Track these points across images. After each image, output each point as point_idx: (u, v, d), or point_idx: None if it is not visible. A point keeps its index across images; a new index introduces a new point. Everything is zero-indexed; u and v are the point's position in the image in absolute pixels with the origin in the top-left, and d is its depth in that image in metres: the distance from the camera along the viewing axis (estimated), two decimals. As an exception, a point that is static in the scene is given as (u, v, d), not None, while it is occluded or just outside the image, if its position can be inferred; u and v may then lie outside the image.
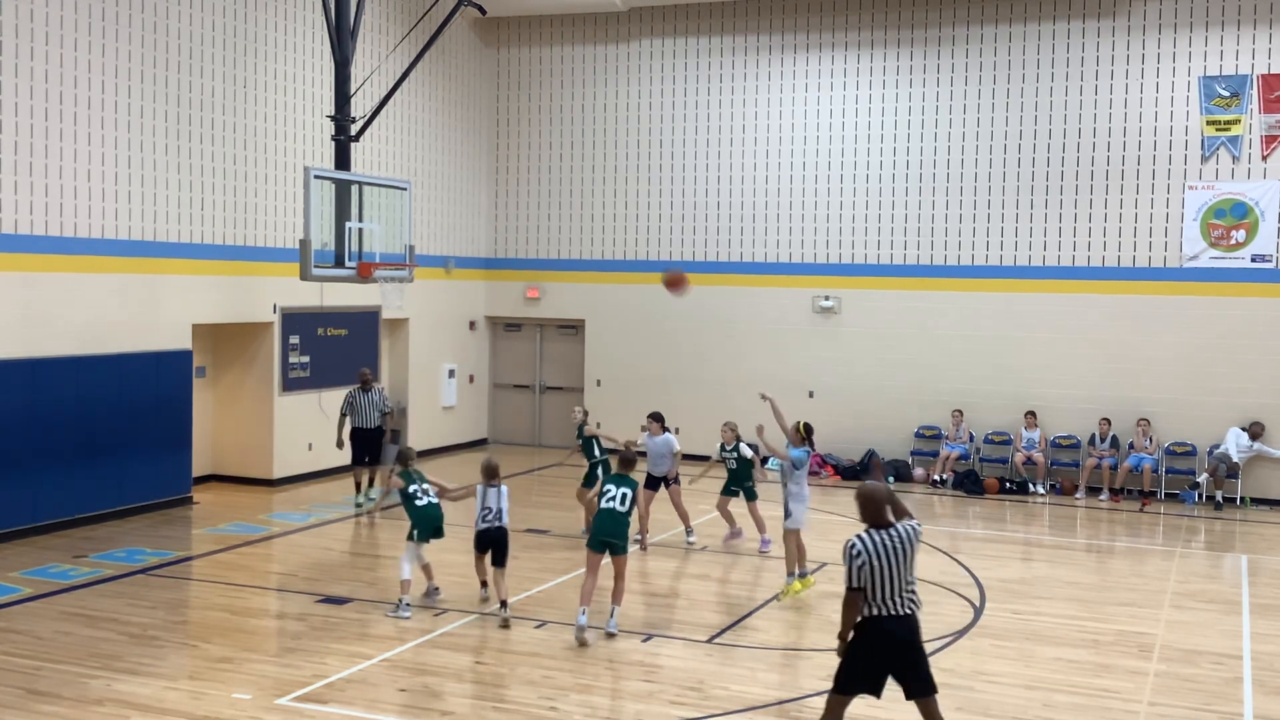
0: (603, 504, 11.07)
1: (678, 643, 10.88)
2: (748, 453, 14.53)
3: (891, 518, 7.57)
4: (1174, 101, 19.26)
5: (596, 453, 15.19)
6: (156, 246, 16.30)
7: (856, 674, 7.58)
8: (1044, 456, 19.46)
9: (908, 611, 7.51)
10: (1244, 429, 18.60)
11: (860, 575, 7.40)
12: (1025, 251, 20.07)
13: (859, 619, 7.50)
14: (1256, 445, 18.48)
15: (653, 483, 14.72)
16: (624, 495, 11.04)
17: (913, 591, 7.54)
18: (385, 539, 15.76)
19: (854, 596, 7.44)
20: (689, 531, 15.00)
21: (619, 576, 11.01)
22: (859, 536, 7.49)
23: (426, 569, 12.05)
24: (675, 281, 14.63)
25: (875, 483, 7.84)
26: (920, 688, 7.58)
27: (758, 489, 14.65)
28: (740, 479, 14.55)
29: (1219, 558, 15.55)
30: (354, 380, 17.44)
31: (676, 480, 14.82)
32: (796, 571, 12.49)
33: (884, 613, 7.45)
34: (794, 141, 21.36)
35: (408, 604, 11.52)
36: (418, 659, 10.27)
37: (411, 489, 11.93)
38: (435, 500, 12.00)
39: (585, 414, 15.74)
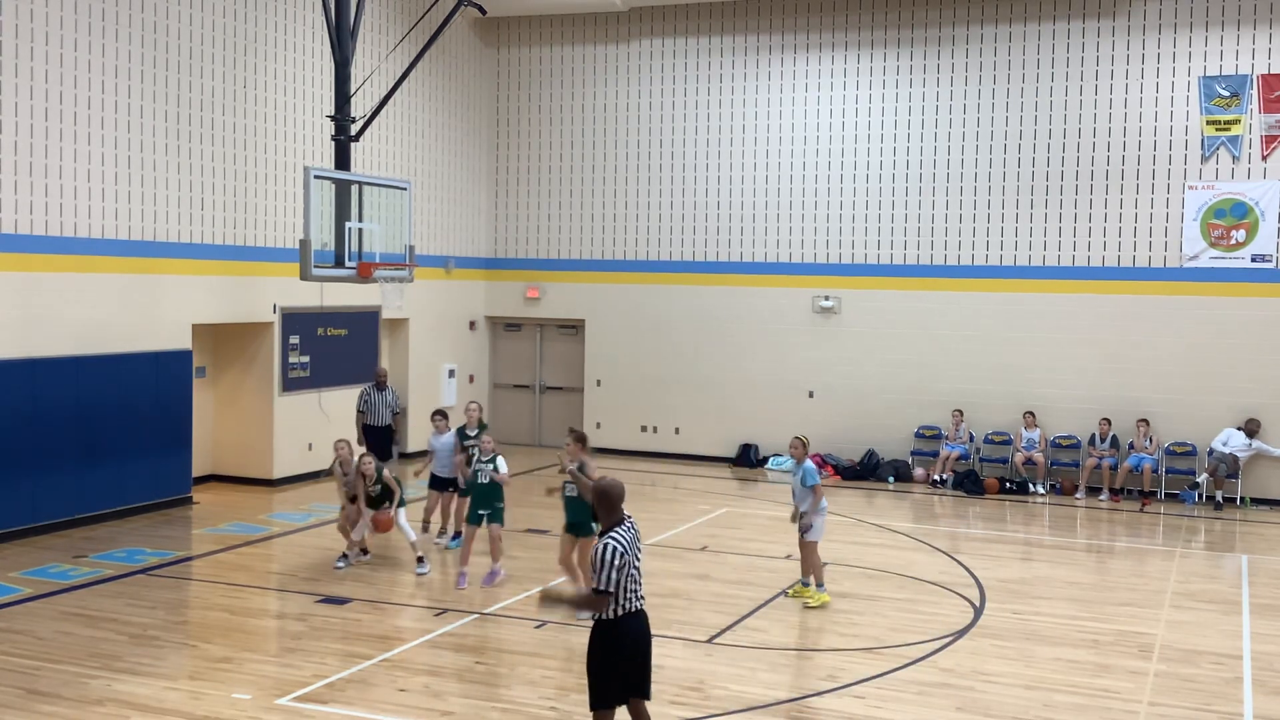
0: (566, 493, 11.89)
1: (678, 643, 10.88)
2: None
3: (618, 515, 7.35)
4: (1174, 101, 19.26)
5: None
6: (156, 246, 16.30)
7: (614, 680, 7.32)
8: (1044, 456, 19.46)
9: (641, 607, 7.40)
10: (1239, 428, 18.62)
11: (619, 577, 7.14)
12: (1025, 251, 20.08)
13: (605, 621, 7.26)
14: (1255, 444, 18.48)
15: (439, 483, 14.56)
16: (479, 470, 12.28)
17: (640, 587, 7.40)
18: (385, 539, 15.77)
19: (603, 600, 7.17)
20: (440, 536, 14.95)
21: (582, 556, 11.67)
22: (614, 538, 7.21)
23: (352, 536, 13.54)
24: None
25: (613, 479, 7.54)
26: (647, 687, 7.50)
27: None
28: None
29: (1219, 558, 15.54)
30: (356, 379, 17.44)
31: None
32: (815, 582, 12.37)
33: (631, 609, 7.28)
34: (794, 141, 21.37)
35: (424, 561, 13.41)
36: (418, 659, 10.27)
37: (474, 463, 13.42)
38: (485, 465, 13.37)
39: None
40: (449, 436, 14.50)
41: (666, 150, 22.20)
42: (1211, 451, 18.65)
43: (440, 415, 14.79)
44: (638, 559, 7.36)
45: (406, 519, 13.68)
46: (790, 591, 12.53)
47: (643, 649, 7.44)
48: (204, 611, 11.89)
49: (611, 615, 7.27)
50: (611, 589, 7.14)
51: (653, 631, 11.07)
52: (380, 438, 17.11)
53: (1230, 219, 18.96)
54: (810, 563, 12.48)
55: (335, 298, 18.96)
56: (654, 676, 9.91)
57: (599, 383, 22.67)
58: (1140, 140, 19.43)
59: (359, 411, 17.12)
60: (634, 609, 7.31)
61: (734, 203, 21.78)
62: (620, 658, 7.31)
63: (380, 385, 17.07)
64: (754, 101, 21.62)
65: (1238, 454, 18.43)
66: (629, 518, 7.44)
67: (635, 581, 7.31)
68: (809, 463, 12.41)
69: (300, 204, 17.71)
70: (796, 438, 12.55)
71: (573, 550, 11.90)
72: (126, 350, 15.79)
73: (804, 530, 12.44)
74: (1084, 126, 19.71)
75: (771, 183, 21.52)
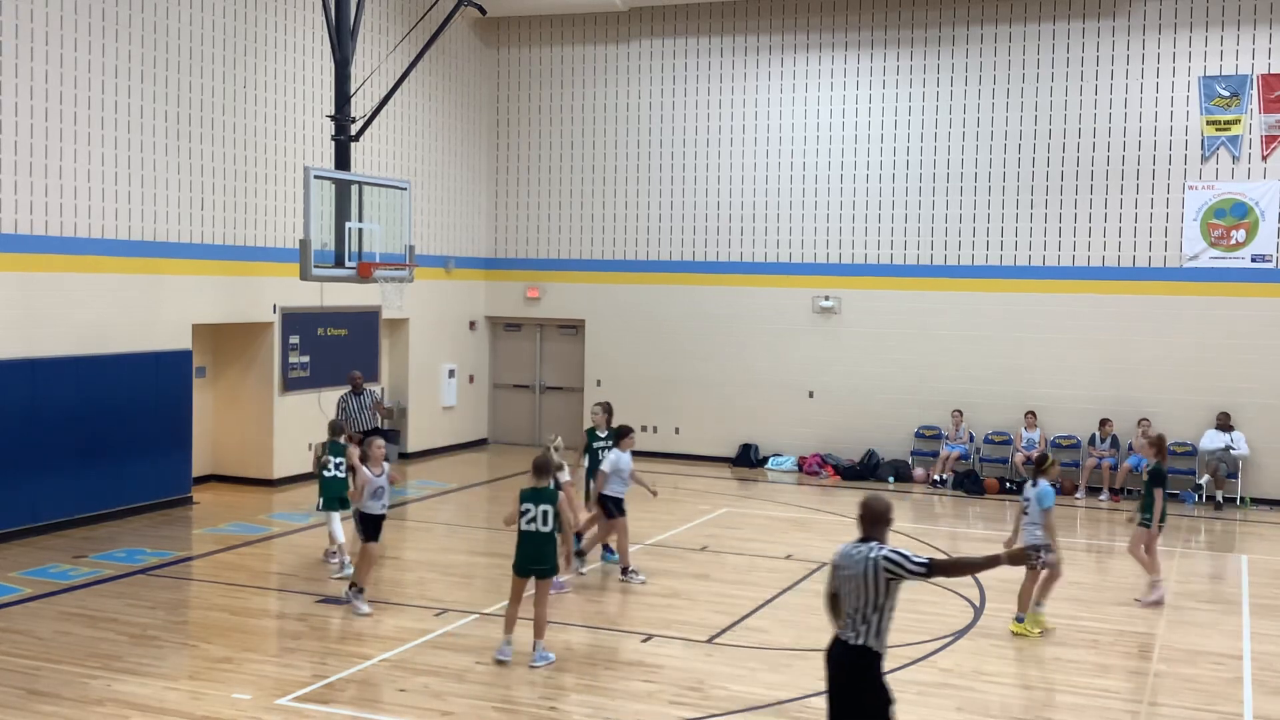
0: (523, 525, 10.08)
1: (678, 643, 10.88)
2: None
3: (875, 533, 6.84)
4: (1174, 101, 19.27)
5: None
6: (156, 246, 16.30)
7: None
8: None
9: (846, 639, 6.74)
10: (1217, 428, 18.68)
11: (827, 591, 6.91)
12: (1025, 251, 20.08)
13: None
14: (1231, 438, 18.52)
15: (617, 507, 13.66)
16: (545, 513, 10.06)
17: (861, 618, 6.67)
18: (385, 539, 15.76)
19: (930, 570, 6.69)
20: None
21: (540, 603, 10.17)
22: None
23: (340, 546, 13.33)
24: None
25: (878, 495, 7.07)
26: None
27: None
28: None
29: (1219, 558, 15.54)
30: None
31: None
32: (1035, 604, 11.50)
33: (841, 635, 6.80)
34: (794, 141, 21.37)
35: (344, 562, 13.07)
36: (418, 659, 10.27)
37: (325, 458, 13.31)
38: (342, 475, 13.27)
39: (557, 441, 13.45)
40: (626, 454, 13.25)
41: (666, 150, 22.20)
42: (1204, 452, 18.70)
43: (628, 432, 13.40)
44: (852, 583, 6.72)
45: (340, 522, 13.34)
46: (1020, 628, 11.40)
47: (833, 677, 6.81)
48: (204, 611, 11.89)
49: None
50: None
51: (653, 632, 11.10)
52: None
53: (1230, 219, 18.96)
54: (1035, 591, 11.44)
55: (335, 298, 18.95)
56: (654, 676, 9.97)
57: (599, 383, 22.66)
58: (1140, 140, 19.43)
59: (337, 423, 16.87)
60: (840, 636, 6.79)
61: (734, 203, 21.78)
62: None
63: (356, 390, 16.84)
64: (754, 101, 21.62)
65: (1232, 450, 18.46)
66: (872, 540, 6.79)
67: (849, 605, 6.74)
68: (1046, 484, 11.57)
69: (300, 204, 17.70)
70: (1043, 453, 11.83)
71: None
72: (126, 350, 15.78)
73: (1046, 565, 10.54)
74: (1084, 126, 19.71)
75: (771, 183, 21.52)
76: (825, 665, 6.85)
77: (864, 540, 6.80)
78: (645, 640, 10.91)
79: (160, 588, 12.58)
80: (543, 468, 10.32)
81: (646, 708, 9.21)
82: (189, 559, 13.92)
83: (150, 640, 10.67)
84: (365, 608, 11.52)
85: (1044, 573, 11.24)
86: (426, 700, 9.29)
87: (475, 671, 10.02)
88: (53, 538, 14.53)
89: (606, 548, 13.79)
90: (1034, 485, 11.66)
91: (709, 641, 10.99)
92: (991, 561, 6.78)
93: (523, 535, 10.10)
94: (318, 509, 13.59)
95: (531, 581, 10.20)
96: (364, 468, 11.68)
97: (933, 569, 6.67)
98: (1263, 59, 18.82)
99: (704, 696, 9.49)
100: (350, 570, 12.62)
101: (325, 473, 13.35)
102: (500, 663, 10.00)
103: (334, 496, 13.33)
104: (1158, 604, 12.48)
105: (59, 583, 12.54)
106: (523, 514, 10.07)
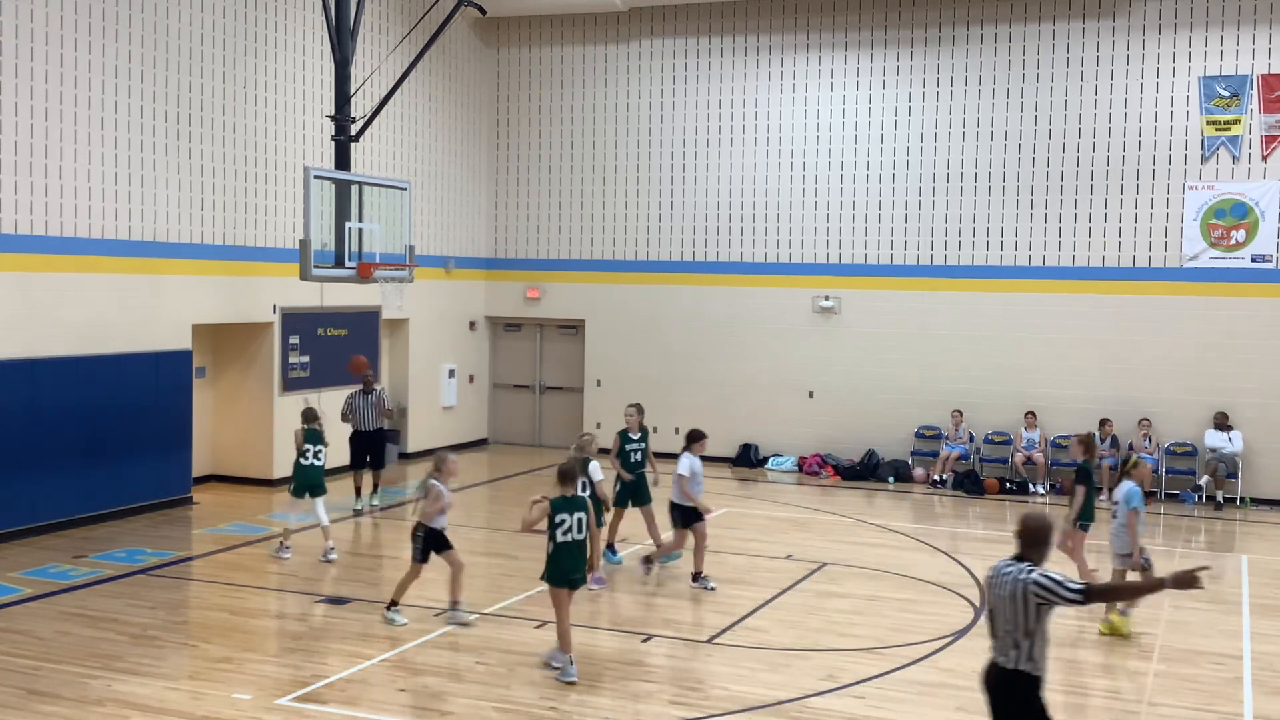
0: (559, 537, 9.77)
1: (678, 643, 10.88)
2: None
3: (1031, 554, 6.60)
4: (1174, 101, 19.26)
5: (634, 461, 13.90)
6: (156, 246, 16.30)
7: None
8: (1044, 456, 19.46)
9: (1001, 662, 6.57)
10: (1216, 428, 18.69)
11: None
12: (1025, 251, 20.08)
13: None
14: (1229, 437, 18.53)
15: (690, 516, 13.41)
16: (580, 521, 9.82)
17: (1012, 642, 6.50)
18: (385, 539, 15.78)
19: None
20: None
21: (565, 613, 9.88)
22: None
23: (324, 531, 13.81)
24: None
25: (1036, 514, 6.72)
26: None
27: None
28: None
29: (1219, 558, 15.54)
30: (356, 380, 17.38)
31: None
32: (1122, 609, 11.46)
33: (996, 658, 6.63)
34: (794, 141, 21.37)
35: (288, 548, 13.80)
36: (418, 659, 10.27)
37: (305, 447, 13.78)
38: (318, 463, 13.80)
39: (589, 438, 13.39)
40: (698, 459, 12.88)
41: (666, 150, 22.20)
42: (1212, 451, 18.70)
43: (700, 436, 13.00)
44: (1002, 604, 6.55)
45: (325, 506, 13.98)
46: (1108, 629, 11.33)
47: (991, 702, 6.63)
48: (204, 611, 11.89)
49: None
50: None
51: (653, 632, 11.10)
52: (371, 442, 17.03)
53: (1230, 219, 18.96)
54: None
55: (335, 298, 18.95)
56: (654, 676, 9.97)
57: (599, 383, 22.67)
58: (1140, 140, 19.43)
59: (343, 418, 17.00)
60: (995, 659, 6.62)
61: (734, 203, 21.78)
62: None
63: (366, 389, 16.95)
64: (754, 101, 21.62)
65: (1232, 451, 18.48)
66: (1027, 560, 6.57)
67: (1000, 625, 6.57)
68: (1131, 484, 11.31)
69: (300, 204, 17.70)
70: (1129, 454, 11.51)
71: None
72: (126, 350, 15.78)
73: (1143, 566, 11.12)
74: (1084, 126, 19.71)
75: (771, 183, 21.52)
76: (983, 689, 6.65)
77: (1018, 559, 6.55)
78: (645, 640, 10.91)
79: (160, 588, 12.58)
80: (569, 474, 10.02)
81: (646, 708, 9.21)
82: (189, 559, 13.92)
83: (150, 640, 10.67)
84: (470, 618, 11.31)
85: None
86: (426, 700, 9.29)
87: (475, 671, 10.02)
88: (53, 538, 14.53)
89: (610, 548, 13.79)
90: (1120, 486, 11.45)
91: (709, 641, 10.99)
92: (1156, 585, 6.51)
93: (559, 546, 9.75)
94: (291, 493, 14.12)
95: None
96: (440, 484, 11.28)
97: (1089, 596, 6.48)
98: (1263, 59, 18.82)
99: (704, 696, 9.49)
100: (335, 555, 13.71)
101: (303, 460, 13.78)
102: (570, 684, 9.60)
103: (308, 484, 13.82)
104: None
105: (59, 583, 12.54)
106: (558, 525, 9.74)
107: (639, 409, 14.20)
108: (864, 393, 20.96)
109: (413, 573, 11.36)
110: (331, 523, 16.28)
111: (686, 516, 12.83)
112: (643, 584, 12.98)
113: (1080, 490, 12.47)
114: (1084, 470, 12.62)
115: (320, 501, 13.86)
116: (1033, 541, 6.55)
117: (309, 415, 14.15)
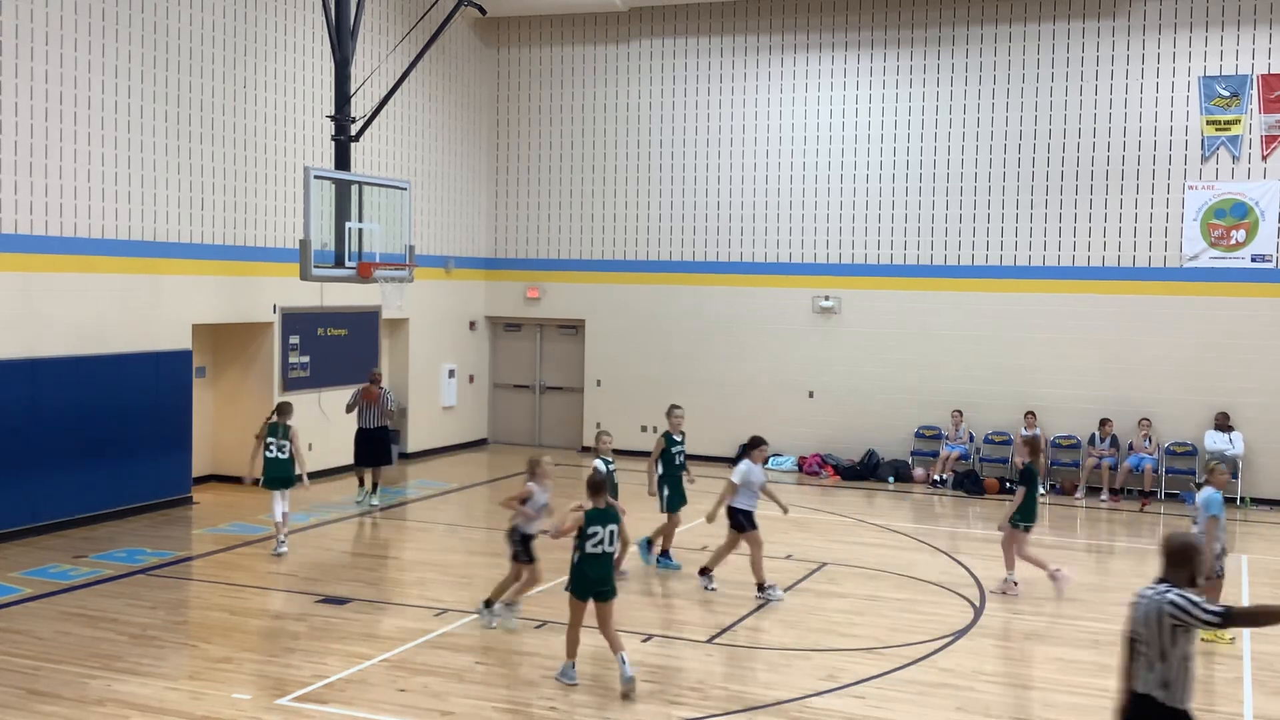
0: (589, 548, 9.56)
1: (678, 643, 10.88)
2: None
3: (1172, 576, 6.38)
4: (1174, 101, 19.27)
5: (676, 461, 13.72)
6: (156, 246, 16.30)
7: None
8: (1044, 457, 19.46)
9: (1136, 689, 6.37)
10: (1217, 428, 18.70)
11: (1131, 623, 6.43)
12: (1025, 251, 20.08)
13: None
14: (1230, 438, 18.54)
15: (749, 521, 13.22)
16: (612, 534, 9.65)
17: (1146, 664, 6.29)
18: (385, 539, 15.79)
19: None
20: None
21: (611, 623, 9.66)
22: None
23: (277, 526, 13.98)
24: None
25: (1179, 535, 6.50)
26: None
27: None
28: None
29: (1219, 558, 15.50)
30: (356, 379, 17.47)
31: None
32: None
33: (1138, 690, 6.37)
34: (794, 141, 21.37)
35: (283, 541, 13.94)
36: (418, 659, 10.27)
37: (269, 440, 13.99)
38: (284, 456, 13.98)
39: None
40: (759, 466, 12.72)
41: (666, 150, 22.20)
42: (1211, 453, 18.70)
43: (760, 443, 12.83)
44: (1142, 626, 6.36)
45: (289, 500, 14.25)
46: (1211, 635, 11.06)
47: None
48: (204, 611, 11.89)
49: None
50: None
51: (653, 632, 11.09)
52: (374, 440, 17.12)
53: (1230, 219, 18.96)
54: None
55: (335, 298, 18.96)
56: (654, 676, 9.97)
57: (599, 383, 22.67)
58: (1140, 140, 19.43)
59: (348, 409, 17.32)
60: (1130, 684, 6.43)
61: (734, 203, 21.78)
62: None
63: (374, 386, 17.07)
64: (754, 101, 21.62)
65: (1228, 452, 18.49)
66: (1167, 582, 6.35)
67: (1141, 648, 6.36)
68: (1211, 490, 11.07)
69: (300, 204, 17.70)
70: (1216, 463, 11.26)
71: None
72: (126, 350, 15.78)
73: (1217, 574, 11.02)
74: (1084, 126, 19.71)
75: (771, 183, 21.52)
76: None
77: (1161, 580, 6.36)
78: (645, 640, 10.91)
79: (160, 588, 12.58)
80: (600, 485, 9.82)
81: (646, 708, 9.21)
82: (189, 559, 13.92)
83: (150, 640, 10.67)
84: (515, 622, 11.22)
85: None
86: (426, 700, 9.29)
87: (475, 671, 10.02)
88: (53, 538, 14.53)
89: (648, 544, 13.77)
90: (1200, 491, 11.33)
91: (709, 641, 10.99)
92: None
93: (587, 558, 9.54)
94: (259, 484, 14.16)
95: (590, 603, 9.63)
96: (537, 488, 11.11)
97: (1230, 619, 6.23)
98: (1263, 59, 18.82)
99: (704, 696, 9.49)
100: (286, 549, 13.88)
101: (267, 453, 13.99)
102: (572, 685, 9.58)
103: (269, 476, 14.00)
104: (1004, 593, 12.68)
105: (59, 583, 12.53)
106: (590, 536, 9.52)
107: (683, 411, 14.14)
108: (864, 393, 20.96)
109: (513, 573, 11.30)
110: (336, 520, 16.36)
111: (738, 521, 12.61)
112: (708, 591, 12.74)
113: (1021, 490, 12.73)
114: (1028, 471, 12.86)
115: (279, 495, 13.97)
116: (1174, 562, 6.37)
117: (282, 409, 14.31)
